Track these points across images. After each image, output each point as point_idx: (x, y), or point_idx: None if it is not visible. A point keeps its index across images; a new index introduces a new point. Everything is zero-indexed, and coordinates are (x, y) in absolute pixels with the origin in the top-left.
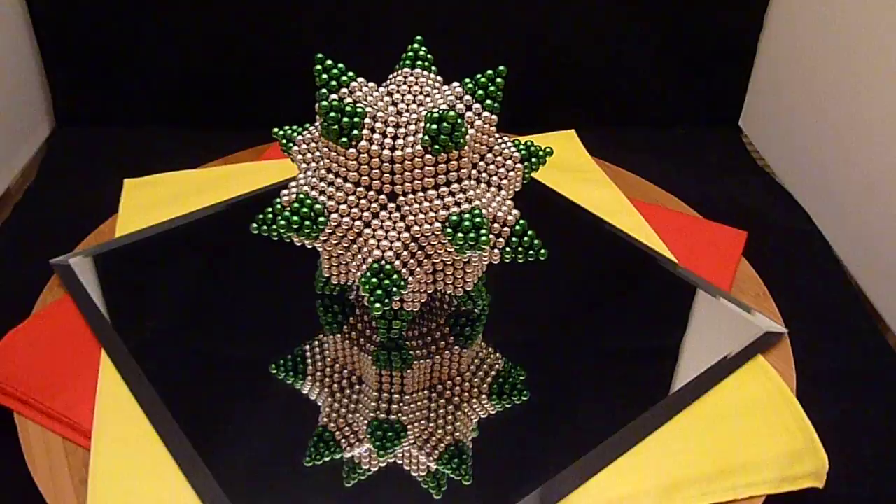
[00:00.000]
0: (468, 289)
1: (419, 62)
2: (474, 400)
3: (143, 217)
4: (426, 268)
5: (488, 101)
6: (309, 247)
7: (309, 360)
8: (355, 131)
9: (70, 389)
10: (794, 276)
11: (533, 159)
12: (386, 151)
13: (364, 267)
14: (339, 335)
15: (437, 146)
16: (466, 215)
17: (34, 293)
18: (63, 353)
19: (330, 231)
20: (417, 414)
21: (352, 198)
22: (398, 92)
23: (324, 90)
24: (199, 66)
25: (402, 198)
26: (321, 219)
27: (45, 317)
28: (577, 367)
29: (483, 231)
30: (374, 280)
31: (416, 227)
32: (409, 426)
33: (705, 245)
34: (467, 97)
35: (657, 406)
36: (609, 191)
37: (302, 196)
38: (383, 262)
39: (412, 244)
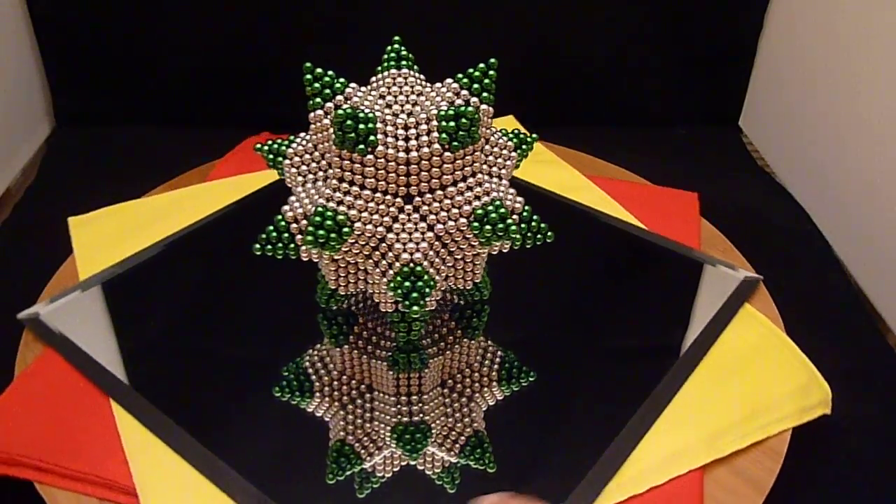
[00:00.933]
0: (477, 280)
1: (402, 62)
2: (485, 389)
3: (102, 255)
4: (448, 265)
5: (485, 94)
6: (315, 260)
7: (314, 376)
8: (371, 137)
9: (90, 446)
10: (795, 276)
11: (523, 146)
12: (402, 154)
13: (392, 272)
14: (345, 346)
15: (455, 143)
16: (490, 207)
17: (34, 294)
18: (65, 408)
19: (352, 241)
20: (437, 412)
21: (371, 204)
22: (390, 94)
23: (317, 99)
24: (199, 65)
25: (418, 198)
26: (346, 230)
27: (31, 374)
28: (580, 347)
29: (510, 221)
30: (406, 284)
31: (440, 226)
32: (432, 424)
33: (664, 210)
34: (464, 92)
35: (673, 369)
36: (564, 170)
37: (321, 209)
38: (413, 265)
39: (436, 243)
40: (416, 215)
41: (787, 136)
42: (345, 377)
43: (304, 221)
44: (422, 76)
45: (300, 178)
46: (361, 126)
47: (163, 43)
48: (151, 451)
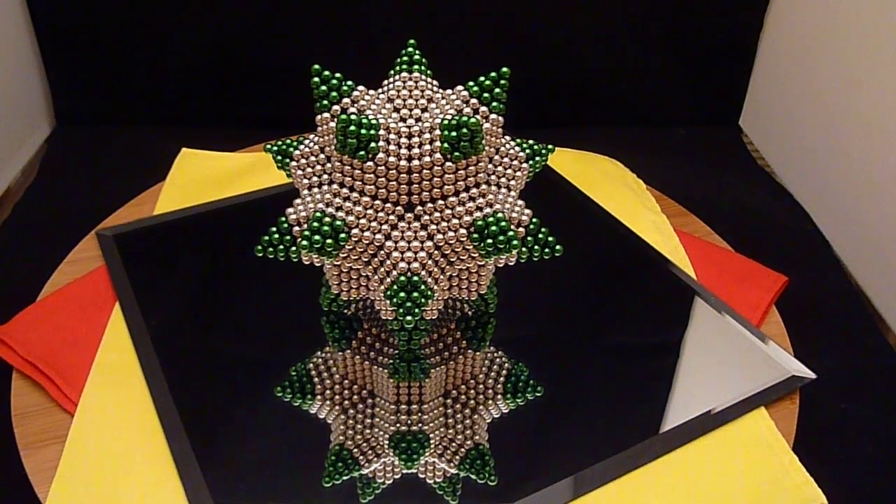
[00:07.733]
0: (482, 292)
1: (415, 66)
2: (489, 402)
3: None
4: (448, 275)
5: (494, 104)
6: (317, 265)
7: (316, 379)
8: (373, 144)
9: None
10: (795, 276)
11: (536, 158)
12: (403, 162)
13: (389, 280)
14: (347, 351)
15: (457, 153)
16: (491, 219)
17: (34, 292)
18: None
19: (350, 247)
20: (436, 422)
21: (370, 211)
22: (399, 97)
23: (325, 101)
24: (199, 65)
25: (420, 207)
26: (342, 236)
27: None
28: (587, 366)
29: (511, 234)
30: (402, 294)
31: (440, 236)
32: (430, 435)
33: (736, 277)
34: (474, 101)
35: (675, 429)
36: (652, 213)
37: (319, 214)
38: (409, 274)
39: (435, 252)
40: (417, 224)
41: (787, 136)
42: (346, 381)
43: (305, 225)
44: (434, 82)
45: (306, 181)
46: (363, 132)
47: (162, 43)
48: (118, 371)
